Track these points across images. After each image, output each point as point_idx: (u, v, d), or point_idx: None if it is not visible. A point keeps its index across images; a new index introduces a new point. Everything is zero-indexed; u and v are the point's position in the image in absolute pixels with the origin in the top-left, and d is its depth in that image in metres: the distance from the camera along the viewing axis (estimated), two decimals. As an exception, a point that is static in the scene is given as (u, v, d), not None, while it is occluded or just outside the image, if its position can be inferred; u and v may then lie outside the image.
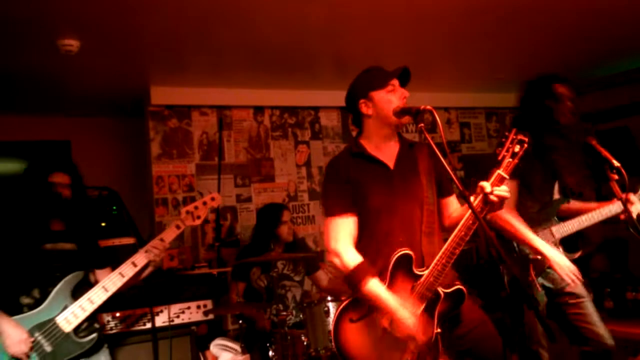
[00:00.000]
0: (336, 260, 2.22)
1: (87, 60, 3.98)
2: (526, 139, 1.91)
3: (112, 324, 3.29)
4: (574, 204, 2.92)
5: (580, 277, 2.55)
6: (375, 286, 2.09)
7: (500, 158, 1.93)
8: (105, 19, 3.39)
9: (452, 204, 2.41)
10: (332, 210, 2.27)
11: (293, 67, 4.78)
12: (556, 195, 2.86)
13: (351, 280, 2.15)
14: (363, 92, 2.29)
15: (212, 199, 2.85)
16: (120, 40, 3.78)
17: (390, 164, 2.31)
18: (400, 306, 2.06)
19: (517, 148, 1.92)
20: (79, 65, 4.09)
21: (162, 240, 2.67)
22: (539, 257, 2.67)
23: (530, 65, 5.38)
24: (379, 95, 2.25)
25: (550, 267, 2.58)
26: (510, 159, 1.93)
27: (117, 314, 3.30)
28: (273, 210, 3.97)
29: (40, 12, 3.18)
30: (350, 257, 2.18)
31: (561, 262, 2.54)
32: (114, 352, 3.26)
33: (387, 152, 2.33)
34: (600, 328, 2.73)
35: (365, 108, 2.29)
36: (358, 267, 2.14)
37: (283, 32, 3.89)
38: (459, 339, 2.24)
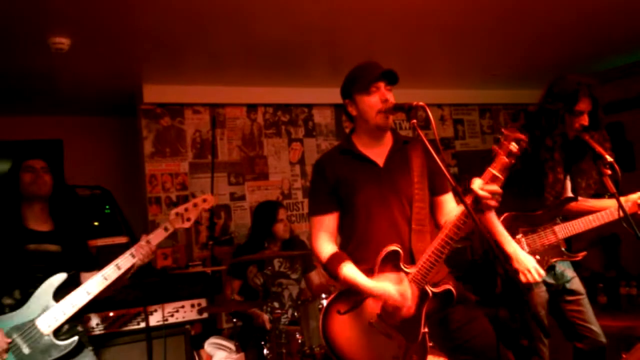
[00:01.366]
0: (315, 257, 2.33)
1: (79, 58, 3.95)
2: (524, 138, 1.84)
3: (105, 323, 3.28)
4: (583, 204, 2.88)
5: (540, 273, 2.54)
6: (349, 270, 2.15)
7: (493, 155, 1.89)
8: (97, 17, 3.36)
9: (449, 202, 2.38)
10: (313, 209, 2.36)
11: (286, 65, 4.76)
12: (569, 194, 2.84)
13: (328, 270, 2.23)
14: (347, 93, 2.32)
15: (204, 200, 2.73)
16: (112, 38, 3.75)
17: (380, 161, 2.30)
18: (375, 284, 2.09)
19: (513, 147, 1.85)
20: (70, 64, 4.07)
21: (148, 242, 2.60)
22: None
23: (524, 62, 5.41)
24: (361, 98, 2.26)
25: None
26: (505, 158, 1.87)
27: (111, 314, 3.28)
28: (268, 208, 3.95)
29: (30, 9, 3.15)
30: (325, 249, 2.27)
31: (521, 259, 2.55)
32: (109, 351, 3.26)
33: (378, 150, 2.33)
34: (595, 326, 2.75)
35: (350, 108, 2.33)
36: (332, 256, 2.23)
37: (277, 29, 3.88)
38: (453, 335, 2.24)
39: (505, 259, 2.61)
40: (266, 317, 3.49)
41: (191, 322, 3.55)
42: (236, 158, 5.39)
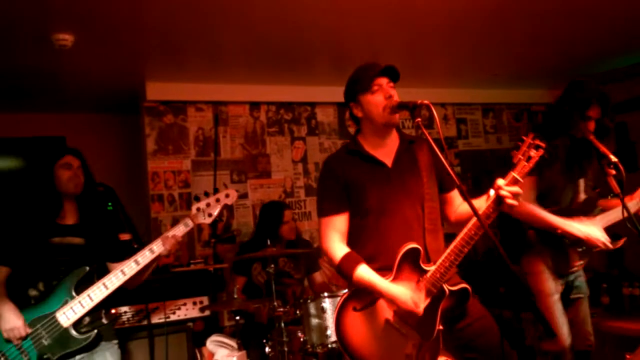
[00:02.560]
0: (326, 258, 2.30)
1: (82, 55, 3.95)
2: (543, 144, 1.95)
3: (107, 320, 3.28)
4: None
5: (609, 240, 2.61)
6: (363, 272, 2.15)
7: (515, 161, 1.97)
8: (101, 13, 3.36)
9: (457, 198, 2.41)
10: (324, 210, 2.33)
11: (289, 63, 4.76)
12: (582, 196, 2.83)
13: (341, 272, 2.21)
14: (351, 95, 2.33)
15: (227, 195, 2.66)
16: (116, 35, 3.75)
17: (389, 162, 2.30)
18: (390, 285, 2.09)
19: (532, 152, 1.96)
20: (74, 61, 4.06)
21: (173, 236, 2.57)
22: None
23: (525, 62, 5.39)
24: (365, 98, 2.26)
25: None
26: (526, 163, 1.96)
27: (113, 311, 3.28)
28: (274, 210, 3.95)
29: (34, 6, 3.15)
30: (337, 251, 2.24)
31: (591, 234, 2.58)
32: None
33: (385, 150, 2.33)
34: (589, 327, 2.79)
35: (355, 111, 2.33)
36: (345, 258, 2.20)
37: (279, 27, 3.88)
38: (459, 332, 2.24)
39: (511, 260, 2.60)
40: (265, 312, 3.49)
41: (193, 320, 3.56)
42: (239, 156, 5.38)
